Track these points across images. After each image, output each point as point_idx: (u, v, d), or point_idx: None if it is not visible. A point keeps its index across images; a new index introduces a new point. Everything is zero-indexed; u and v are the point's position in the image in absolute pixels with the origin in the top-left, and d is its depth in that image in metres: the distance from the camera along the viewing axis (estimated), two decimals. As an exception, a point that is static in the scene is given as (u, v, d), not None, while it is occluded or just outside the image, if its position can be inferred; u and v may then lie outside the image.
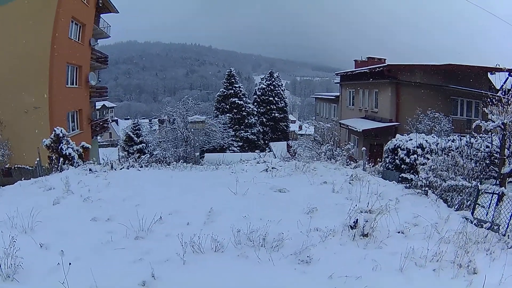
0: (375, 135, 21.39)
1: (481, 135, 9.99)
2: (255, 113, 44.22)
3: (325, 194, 8.45)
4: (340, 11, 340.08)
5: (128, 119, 73.66)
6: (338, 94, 32.89)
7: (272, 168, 11.78)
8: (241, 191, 8.31)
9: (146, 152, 30.58)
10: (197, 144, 26.30)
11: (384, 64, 23.96)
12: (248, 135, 42.15)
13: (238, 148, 38.69)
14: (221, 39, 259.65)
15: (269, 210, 6.96)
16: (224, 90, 43.35)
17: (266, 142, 41.68)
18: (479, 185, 7.03)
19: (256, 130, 43.20)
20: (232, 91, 42.85)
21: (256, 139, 42.64)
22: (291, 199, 7.91)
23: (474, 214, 7.00)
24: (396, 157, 11.44)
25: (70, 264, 4.31)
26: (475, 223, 6.56)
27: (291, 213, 6.76)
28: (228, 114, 41.27)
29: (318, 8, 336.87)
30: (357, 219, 5.87)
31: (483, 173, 9.34)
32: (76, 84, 23.95)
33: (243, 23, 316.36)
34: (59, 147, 13.55)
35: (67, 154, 13.66)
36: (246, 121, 42.48)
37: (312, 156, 17.49)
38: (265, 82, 47.62)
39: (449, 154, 9.18)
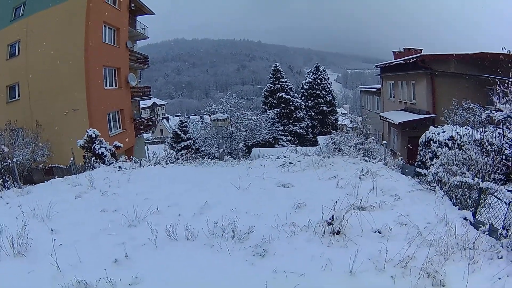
0: (413, 128, 21.50)
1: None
2: (303, 107, 44.86)
3: (327, 189, 8.70)
4: (391, 4, 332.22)
5: (179, 116, 76.30)
6: (380, 86, 33.08)
7: (289, 163, 12.25)
8: (244, 186, 9.02)
9: (193, 148, 32.41)
10: (221, 142, 27.49)
11: (418, 55, 23.85)
12: (296, 129, 42.86)
13: (287, 142, 39.46)
14: (270, 34, 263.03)
15: (261, 205, 7.55)
16: (271, 85, 44.32)
17: (315, 135, 42.16)
18: (481, 183, 6.66)
19: (305, 124, 43.83)
20: (279, 85, 43.75)
21: (305, 133, 43.27)
22: (289, 194, 8.30)
23: (481, 214, 6.69)
24: (428, 150, 11.42)
25: (60, 244, 5.57)
26: (474, 225, 6.21)
27: (280, 207, 7.12)
28: (276, 109, 42.51)
29: (368, 2, 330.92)
30: (333, 216, 5.87)
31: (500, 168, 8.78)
32: (115, 85, 25.97)
33: (291, 17, 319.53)
34: (92, 147, 15.26)
35: (100, 153, 15.29)
36: (294, 115, 43.23)
37: (347, 150, 17.75)
38: (311, 75, 48.17)
39: (463, 147, 9.04)
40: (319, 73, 47.97)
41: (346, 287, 4.57)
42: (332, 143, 17.36)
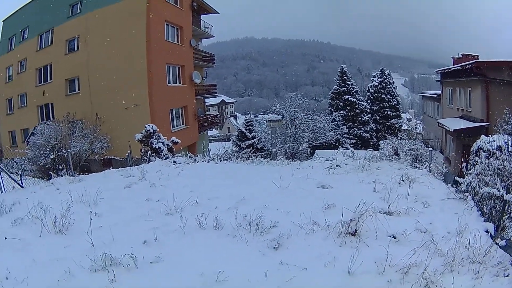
0: (468, 136, 20.79)
1: None
2: (368, 110, 44.42)
3: (363, 192, 8.72)
4: (458, 9, 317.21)
5: (248, 114, 77.88)
6: (440, 92, 32.72)
7: (336, 165, 12.59)
8: (285, 185, 9.36)
9: (258, 147, 33.24)
10: (274, 142, 27.94)
11: (473, 61, 23.22)
12: (361, 133, 42.48)
13: (351, 145, 39.24)
14: (339, 35, 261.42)
15: (293, 203, 7.87)
16: (337, 87, 44.17)
17: (379, 139, 41.56)
18: (505, 195, 6.59)
19: (369, 128, 43.30)
20: (345, 88, 43.52)
21: (369, 137, 42.77)
22: (324, 195, 8.44)
23: (510, 228, 6.51)
24: (478, 159, 11.26)
25: (100, 226, 6.45)
26: (493, 239, 6.06)
27: (310, 207, 7.31)
28: (341, 112, 42.43)
29: (435, 6, 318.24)
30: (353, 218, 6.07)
31: None
32: (179, 83, 27.32)
33: (360, 20, 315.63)
34: (150, 141, 16.36)
35: (157, 147, 16.37)
36: (359, 118, 42.85)
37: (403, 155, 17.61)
38: (377, 79, 47.71)
39: (499, 157, 8.94)
40: (385, 76, 47.46)
41: (340, 285, 4.77)
42: (388, 148, 17.25)
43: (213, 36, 35.35)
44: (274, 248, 5.71)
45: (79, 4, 26.38)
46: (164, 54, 25.04)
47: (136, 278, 4.83)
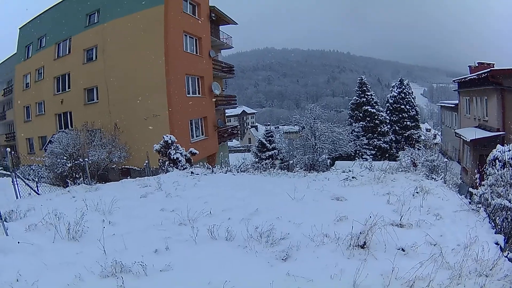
0: (484, 146, 20.62)
1: None
2: (388, 121, 44.37)
3: (376, 204, 8.72)
4: (477, 20, 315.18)
5: (268, 125, 78.11)
6: (457, 102, 32.73)
7: (352, 177, 12.57)
8: (299, 197, 9.41)
9: (278, 158, 33.38)
10: (291, 153, 27.90)
11: (488, 70, 22.97)
12: (380, 144, 42.48)
13: (370, 156, 39.16)
14: (358, 45, 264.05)
15: (306, 215, 7.89)
16: (357, 98, 44.55)
17: (398, 150, 41.39)
18: None
19: (389, 139, 43.32)
20: (365, 99, 43.81)
21: (388, 148, 42.73)
22: (338, 207, 8.44)
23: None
24: (491, 170, 11.33)
25: (113, 234, 6.59)
26: (503, 251, 6.11)
27: (322, 219, 7.40)
28: (361, 122, 42.56)
29: (453, 15, 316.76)
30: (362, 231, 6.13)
31: None
32: (198, 94, 27.61)
33: (379, 30, 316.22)
34: (168, 152, 16.56)
35: (175, 158, 16.57)
36: (379, 129, 42.87)
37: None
38: (396, 89, 48.13)
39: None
40: (403, 87, 47.86)
41: None
42: (406, 160, 17.11)
43: (232, 47, 35.73)
44: (282, 259, 5.75)
45: (96, 14, 27.03)
46: (183, 64, 25.33)
47: (144, 285, 4.94)
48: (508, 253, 5.67)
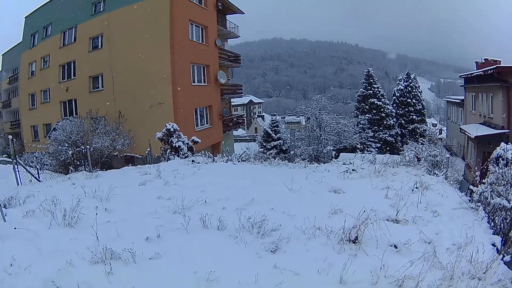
0: (488, 143, 20.56)
1: None
2: (394, 114, 44.26)
3: (374, 198, 8.66)
4: (486, 15, 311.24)
5: (275, 115, 78.13)
6: (463, 97, 32.67)
7: (352, 170, 12.50)
8: (296, 188, 9.40)
9: (283, 148, 33.46)
10: (292, 144, 27.97)
11: (494, 66, 22.93)
12: (386, 137, 42.43)
13: (376, 149, 39.13)
14: (366, 38, 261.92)
15: (301, 206, 7.87)
16: (364, 91, 44.47)
17: (404, 144, 41.32)
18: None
19: (394, 132, 43.23)
20: (371, 91, 43.69)
21: (394, 141, 42.65)
22: (334, 200, 8.38)
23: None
24: (493, 168, 11.29)
25: (108, 221, 6.73)
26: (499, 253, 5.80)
27: (317, 211, 7.26)
28: (367, 115, 42.46)
29: (462, 10, 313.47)
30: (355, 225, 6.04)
31: None
32: (204, 82, 27.64)
33: (388, 23, 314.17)
34: (170, 140, 16.69)
35: (177, 146, 16.69)
36: (385, 122, 42.79)
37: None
38: (402, 83, 47.95)
39: None
40: (410, 80, 47.65)
41: None
42: (409, 154, 17.07)
43: (239, 36, 35.65)
44: (271, 251, 5.79)
45: (102, 2, 27.09)
46: (188, 53, 25.34)
47: (132, 272, 5.06)
48: (504, 256, 5.43)
